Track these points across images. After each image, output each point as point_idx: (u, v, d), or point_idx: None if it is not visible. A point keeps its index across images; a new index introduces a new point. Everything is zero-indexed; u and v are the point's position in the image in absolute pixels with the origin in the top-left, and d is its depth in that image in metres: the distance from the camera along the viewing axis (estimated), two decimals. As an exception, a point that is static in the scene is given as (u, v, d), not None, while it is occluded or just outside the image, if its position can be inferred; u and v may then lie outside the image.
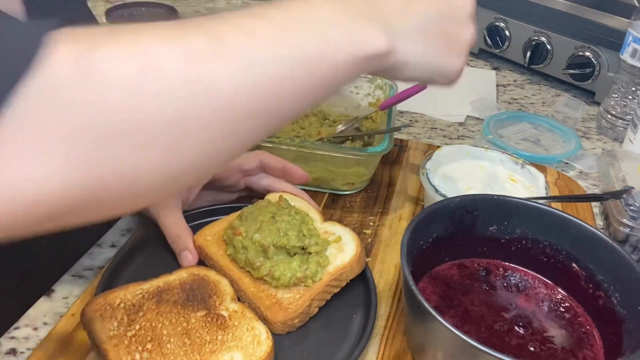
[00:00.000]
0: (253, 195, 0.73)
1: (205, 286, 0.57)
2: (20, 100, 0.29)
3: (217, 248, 0.63)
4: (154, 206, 0.65)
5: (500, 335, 0.55)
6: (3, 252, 0.60)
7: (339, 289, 0.61)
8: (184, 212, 0.66)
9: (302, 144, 0.73)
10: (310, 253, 0.60)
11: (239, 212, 0.65)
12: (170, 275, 0.58)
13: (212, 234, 0.65)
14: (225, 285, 0.58)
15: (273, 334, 0.54)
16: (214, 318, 0.54)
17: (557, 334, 0.56)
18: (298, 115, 0.47)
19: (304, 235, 0.61)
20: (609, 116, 0.99)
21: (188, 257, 0.62)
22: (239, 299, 0.58)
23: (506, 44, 1.16)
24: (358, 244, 0.62)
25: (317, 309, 0.59)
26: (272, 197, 0.68)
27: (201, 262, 0.63)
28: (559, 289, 0.61)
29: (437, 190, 0.69)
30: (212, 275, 0.59)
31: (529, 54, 1.12)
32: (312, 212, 0.67)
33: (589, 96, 1.09)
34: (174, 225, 0.64)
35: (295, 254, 0.60)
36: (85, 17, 0.73)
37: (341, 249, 0.62)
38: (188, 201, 0.68)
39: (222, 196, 0.73)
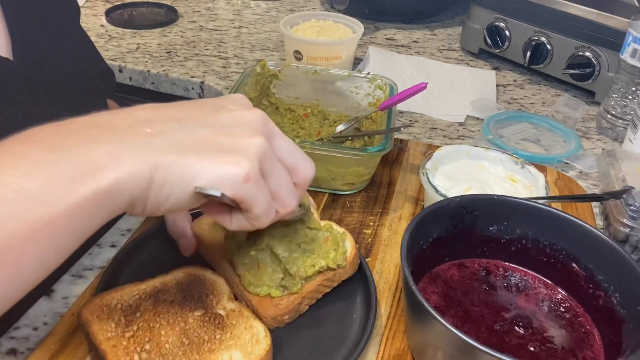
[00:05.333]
0: None
1: (202, 286, 0.57)
2: None
3: (212, 237, 0.63)
4: None
5: (500, 335, 0.55)
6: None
7: (330, 289, 0.61)
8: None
9: (302, 144, 0.73)
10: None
11: None
12: (167, 276, 0.58)
13: (209, 223, 0.64)
14: (221, 285, 0.58)
15: (271, 332, 0.54)
16: (211, 317, 0.54)
17: (557, 334, 0.56)
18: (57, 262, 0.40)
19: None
20: (609, 116, 0.99)
21: (185, 244, 0.62)
22: (235, 298, 0.58)
23: (506, 44, 1.16)
24: (353, 246, 0.62)
25: (307, 307, 0.59)
26: None
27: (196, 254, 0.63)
28: (559, 289, 0.61)
29: (437, 190, 0.69)
30: (208, 275, 0.59)
31: (529, 54, 1.12)
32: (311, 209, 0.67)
33: (589, 96, 1.09)
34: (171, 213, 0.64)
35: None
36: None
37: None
38: None
39: None
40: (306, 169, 0.44)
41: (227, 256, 0.60)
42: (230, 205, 0.44)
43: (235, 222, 0.45)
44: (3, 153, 0.36)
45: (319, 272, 0.59)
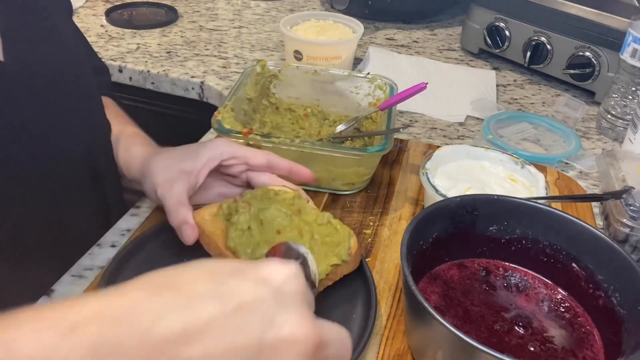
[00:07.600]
0: None
1: None
2: None
3: (214, 227, 0.62)
4: (160, 188, 0.65)
5: (500, 335, 0.55)
6: (3, 252, 0.60)
7: (332, 282, 0.61)
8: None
9: (302, 144, 0.73)
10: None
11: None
12: None
13: (211, 213, 0.64)
14: None
15: None
16: None
17: (557, 334, 0.56)
18: None
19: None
20: (609, 116, 0.99)
21: (187, 230, 0.61)
22: None
23: (506, 44, 1.16)
24: (355, 241, 0.62)
25: None
26: (283, 189, 0.67)
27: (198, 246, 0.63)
28: (559, 289, 0.61)
29: (437, 190, 0.69)
30: None
31: (529, 54, 1.12)
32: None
33: (589, 96, 1.09)
34: (173, 201, 0.63)
35: None
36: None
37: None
38: (196, 185, 0.67)
39: (229, 189, 0.73)
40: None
41: (229, 245, 0.60)
42: None
43: None
44: None
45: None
